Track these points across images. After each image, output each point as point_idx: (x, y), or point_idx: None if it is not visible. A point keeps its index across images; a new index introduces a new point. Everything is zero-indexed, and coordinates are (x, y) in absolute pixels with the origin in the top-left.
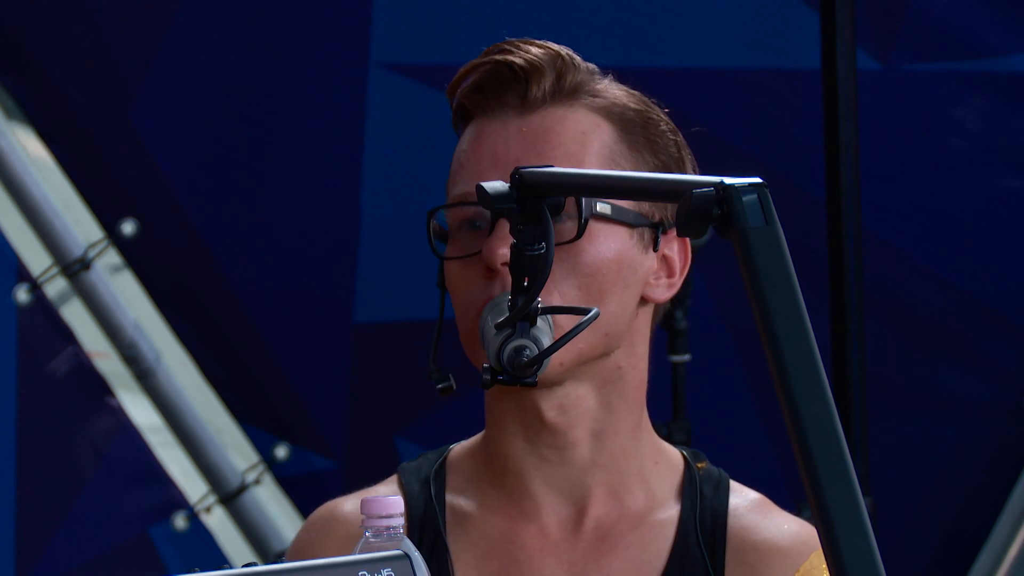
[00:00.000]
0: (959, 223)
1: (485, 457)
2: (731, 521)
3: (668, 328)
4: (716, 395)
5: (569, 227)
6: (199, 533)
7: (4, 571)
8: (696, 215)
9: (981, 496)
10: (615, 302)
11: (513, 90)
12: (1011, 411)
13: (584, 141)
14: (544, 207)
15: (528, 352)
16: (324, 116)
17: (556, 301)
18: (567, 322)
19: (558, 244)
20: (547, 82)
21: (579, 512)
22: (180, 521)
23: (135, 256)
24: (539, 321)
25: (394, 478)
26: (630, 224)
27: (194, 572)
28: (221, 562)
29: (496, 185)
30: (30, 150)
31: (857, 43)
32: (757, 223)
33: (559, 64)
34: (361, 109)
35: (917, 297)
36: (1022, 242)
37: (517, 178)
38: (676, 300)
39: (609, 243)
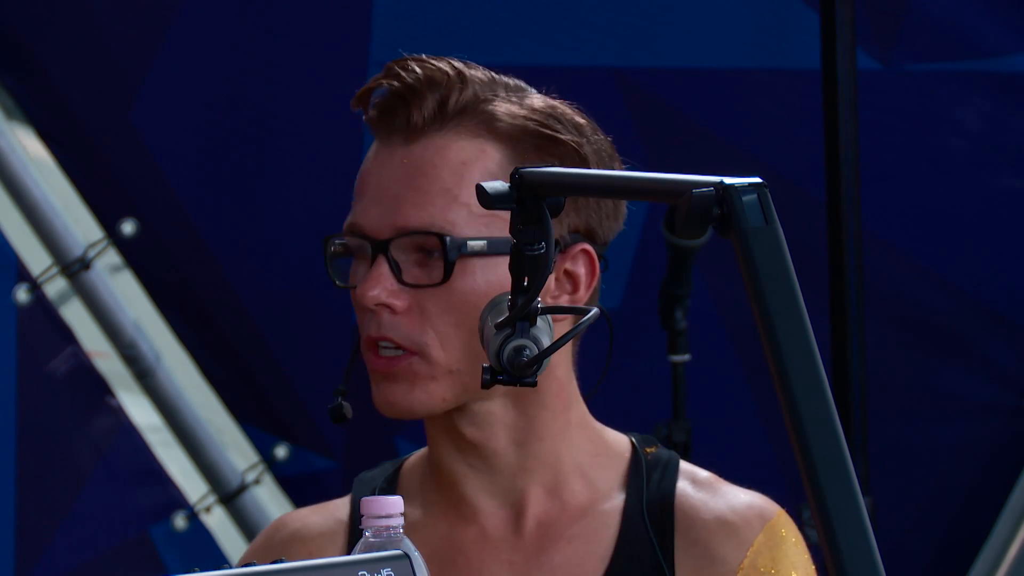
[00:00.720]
0: (959, 223)
1: (430, 465)
2: (678, 501)
3: (668, 328)
4: (716, 395)
5: (438, 269)
6: (199, 533)
7: (4, 571)
8: (696, 215)
9: (981, 496)
10: None
11: (400, 115)
12: (1011, 411)
13: (463, 172)
14: (544, 207)
15: (528, 352)
16: (324, 116)
17: (432, 340)
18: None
19: (425, 286)
20: (428, 107)
21: (517, 513)
22: (180, 521)
23: (135, 256)
24: (539, 321)
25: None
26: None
27: (194, 572)
28: (221, 562)
29: (496, 185)
30: (30, 150)
31: (857, 43)
32: (757, 223)
33: (446, 83)
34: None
35: (917, 297)
36: (1022, 242)
37: (517, 178)
38: (676, 300)
39: (486, 276)
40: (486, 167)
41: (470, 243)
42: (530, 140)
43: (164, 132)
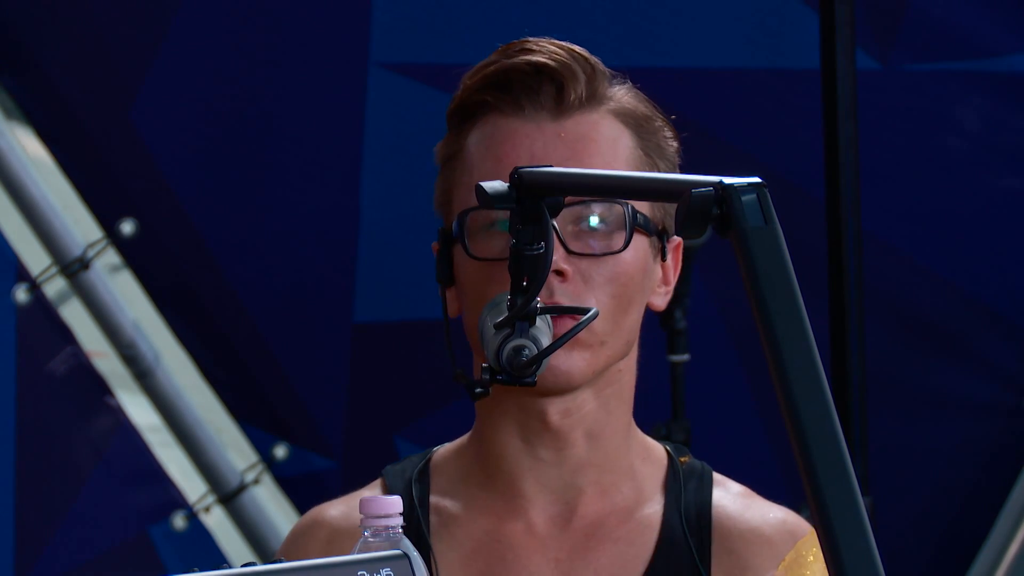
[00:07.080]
0: (959, 223)
1: (474, 457)
2: (715, 511)
3: (668, 328)
4: (716, 395)
5: (616, 237)
6: (198, 533)
7: (4, 571)
8: (695, 215)
9: (980, 496)
10: (636, 310)
11: (547, 90)
12: (1011, 411)
13: (616, 148)
14: (543, 207)
15: (527, 352)
16: (324, 116)
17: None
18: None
19: (605, 255)
20: (580, 86)
21: (569, 510)
22: (179, 521)
23: (134, 256)
24: (538, 321)
25: (379, 481)
26: (649, 233)
27: (193, 572)
28: (220, 562)
29: (495, 185)
30: (30, 150)
31: (857, 43)
32: (757, 223)
33: (587, 67)
34: (361, 109)
35: (917, 297)
36: (1022, 242)
37: (516, 178)
38: (675, 300)
39: (639, 252)
40: (627, 146)
41: (639, 215)
42: (648, 124)
43: (164, 132)
